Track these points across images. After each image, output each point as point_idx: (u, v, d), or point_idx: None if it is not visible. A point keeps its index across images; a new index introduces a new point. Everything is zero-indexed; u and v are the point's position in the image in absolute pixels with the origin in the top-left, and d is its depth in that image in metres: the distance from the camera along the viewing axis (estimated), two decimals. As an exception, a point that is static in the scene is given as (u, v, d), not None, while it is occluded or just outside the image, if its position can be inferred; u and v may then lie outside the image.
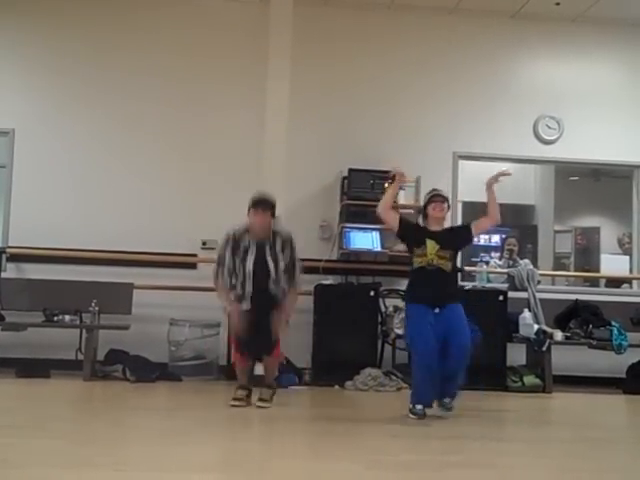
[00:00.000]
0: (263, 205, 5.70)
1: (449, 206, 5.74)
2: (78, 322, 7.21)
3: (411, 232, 5.77)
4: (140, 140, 8.02)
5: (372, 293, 7.47)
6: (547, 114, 8.41)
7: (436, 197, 5.71)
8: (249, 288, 5.68)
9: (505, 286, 7.94)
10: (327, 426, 5.22)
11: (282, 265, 5.69)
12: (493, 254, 9.78)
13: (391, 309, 7.50)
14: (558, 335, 7.35)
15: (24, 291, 7.41)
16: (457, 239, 5.77)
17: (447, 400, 5.51)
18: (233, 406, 5.70)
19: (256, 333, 5.71)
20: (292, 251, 5.73)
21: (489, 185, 5.72)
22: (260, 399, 5.77)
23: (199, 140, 8.02)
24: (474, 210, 9.99)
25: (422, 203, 5.90)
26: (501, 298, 7.49)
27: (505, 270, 8.27)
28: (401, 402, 5.74)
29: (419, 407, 5.41)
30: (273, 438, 4.88)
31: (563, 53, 8.50)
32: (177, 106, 8.01)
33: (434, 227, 5.69)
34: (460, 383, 5.54)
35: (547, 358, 7.28)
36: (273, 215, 5.75)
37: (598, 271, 9.26)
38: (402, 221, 5.77)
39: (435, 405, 5.52)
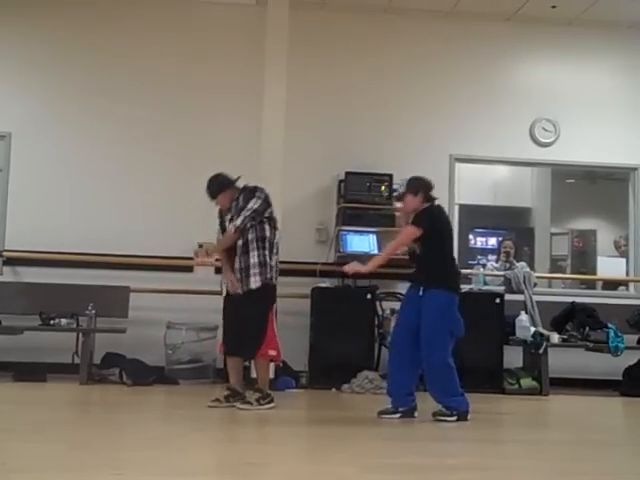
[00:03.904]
0: (210, 195, 6.01)
1: (414, 192, 5.58)
2: (75, 325, 7.21)
3: None
4: (136, 144, 8.01)
5: (369, 296, 7.48)
6: (543, 117, 8.42)
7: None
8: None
9: (502, 289, 7.95)
10: (324, 429, 5.22)
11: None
12: (490, 257, 9.79)
13: (388, 312, 7.50)
14: (555, 337, 7.36)
15: (20, 294, 7.40)
16: None
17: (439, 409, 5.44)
18: (209, 407, 5.72)
19: (233, 327, 5.79)
20: (247, 199, 5.84)
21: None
22: (241, 401, 5.76)
23: (196, 143, 8.01)
24: (471, 213, 10.07)
25: None
26: (498, 301, 7.51)
27: (502, 273, 8.28)
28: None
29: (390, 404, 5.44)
30: (269, 441, 4.87)
31: (559, 56, 8.52)
32: (174, 110, 8.01)
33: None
34: (439, 397, 5.44)
35: (544, 360, 7.30)
36: (227, 190, 5.95)
37: (595, 274, 9.27)
38: None
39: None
